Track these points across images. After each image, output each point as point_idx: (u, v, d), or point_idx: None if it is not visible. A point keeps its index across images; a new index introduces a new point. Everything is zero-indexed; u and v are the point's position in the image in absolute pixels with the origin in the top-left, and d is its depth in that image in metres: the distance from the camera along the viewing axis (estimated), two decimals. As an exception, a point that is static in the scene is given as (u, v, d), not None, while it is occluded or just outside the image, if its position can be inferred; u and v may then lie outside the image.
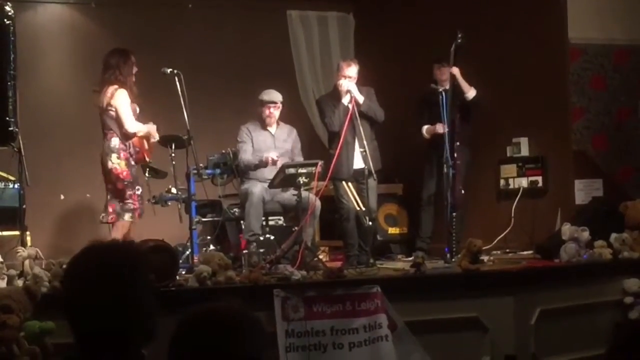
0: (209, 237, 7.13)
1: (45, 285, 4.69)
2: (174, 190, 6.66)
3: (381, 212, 8.01)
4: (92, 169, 6.64)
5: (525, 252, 7.03)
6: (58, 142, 8.11)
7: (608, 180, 7.41)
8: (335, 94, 6.87)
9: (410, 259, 6.61)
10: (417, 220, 7.60)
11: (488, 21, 7.72)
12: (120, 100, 6.18)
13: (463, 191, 6.93)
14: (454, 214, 6.54)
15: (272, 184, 6.63)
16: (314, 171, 6.34)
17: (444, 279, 5.73)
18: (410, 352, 5.25)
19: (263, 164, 6.82)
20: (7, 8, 5.49)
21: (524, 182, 7.63)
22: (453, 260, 6.20)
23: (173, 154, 6.52)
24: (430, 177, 7.35)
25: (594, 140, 7.47)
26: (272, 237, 6.75)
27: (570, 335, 5.76)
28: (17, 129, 5.51)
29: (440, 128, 6.93)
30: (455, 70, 6.93)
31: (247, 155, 6.91)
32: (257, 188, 6.70)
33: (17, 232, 5.92)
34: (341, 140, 6.65)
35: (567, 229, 6.13)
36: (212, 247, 6.93)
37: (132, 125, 6.21)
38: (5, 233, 6.41)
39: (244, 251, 6.34)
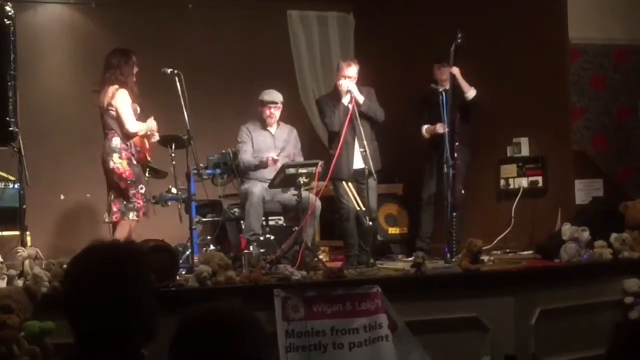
0: (209, 237, 7.14)
1: (45, 285, 4.69)
2: (174, 190, 6.66)
3: (381, 212, 8.01)
4: (92, 169, 6.64)
5: (525, 252, 7.03)
6: (58, 142, 8.11)
7: (608, 180, 7.41)
8: (335, 94, 6.87)
9: (411, 259, 6.61)
10: (417, 220, 7.60)
11: (488, 21, 7.72)
12: (121, 100, 6.18)
13: (463, 191, 6.93)
14: (454, 214, 6.54)
15: (272, 184, 6.63)
16: (314, 171, 6.34)
17: (444, 279, 5.73)
18: (410, 352, 5.25)
19: (263, 164, 6.82)
20: (7, 8, 5.49)
21: (524, 182, 7.63)
22: (453, 260, 6.20)
23: (173, 154, 6.52)
24: (430, 177, 7.34)
25: (594, 140, 7.47)
26: (272, 237, 6.75)
27: (570, 335, 5.76)
28: (17, 129, 5.51)
29: (440, 128, 6.93)
30: (455, 70, 6.93)
31: (247, 155, 6.91)
32: (257, 188, 6.70)
33: (17, 232, 5.92)
34: (341, 140, 6.65)
35: (567, 229, 6.13)
36: (212, 247, 6.93)
37: (133, 125, 6.21)
38: (5, 233, 6.41)
39: (244, 251, 6.34)
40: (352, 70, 6.77)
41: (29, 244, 5.94)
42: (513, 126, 7.74)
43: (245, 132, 6.99)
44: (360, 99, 6.71)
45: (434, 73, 7.33)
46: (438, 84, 7.21)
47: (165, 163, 6.68)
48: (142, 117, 6.37)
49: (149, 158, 6.49)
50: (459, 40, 6.61)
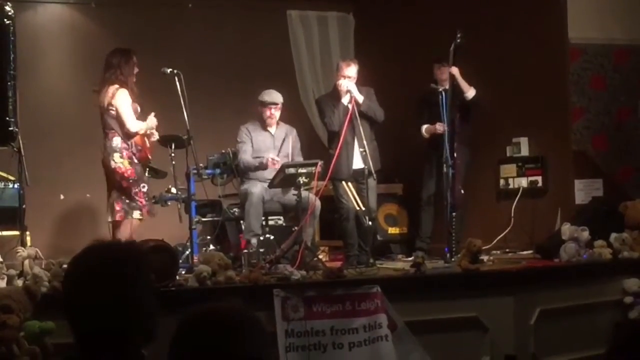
0: (209, 237, 7.13)
1: (45, 285, 4.69)
2: (173, 190, 6.66)
3: (381, 212, 8.01)
4: (92, 169, 6.64)
5: (525, 252, 7.03)
6: (58, 142, 8.11)
7: (608, 180, 7.42)
8: (335, 94, 6.87)
9: (410, 259, 6.61)
10: (417, 220, 7.60)
11: (488, 21, 7.72)
12: (121, 100, 6.18)
13: (463, 191, 6.94)
14: (454, 214, 6.54)
15: (272, 184, 6.63)
16: (313, 171, 6.34)
17: (444, 279, 5.73)
18: (410, 352, 5.25)
19: (263, 166, 6.82)
20: (7, 8, 5.49)
21: (523, 182, 7.63)
22: (453, 260, 6.20)
23: (173, 154, 6.52)
24: (430, 177, 7.34)
25: (594, 140, 7.47)
26: (272, 237, 6.75)
27: (570, 335, 5.76)
28: (17, 129, 5.51)
29: (440, 128, 6.93)
30: (455, 70, 6.93)
31: (246, 155, 6.91)
32: (257, 188, 6.70)
33: (17, 232, 5.92)
34: (341, 140, 6.65)
35: (567, 229, 6.13)
36: (212, 247, 6.93)
37: (134, 124, 6.22)
38: (5, 233, 6.41)
39: (244, 251, 6.34)
40: (351, 70, 6.77)
41: (28, 244, 5.94)
42: (513, 126, 7.74)
43: (245, 132, 6.99)
44: (360, 98, 6.70)
45: (434, 73, 7.33)
46: (438, 83, 7.21)
47: (165, 163, 6.68)
48: (142, 117, 6.37)
49: (150, 157, 6.49)
50: (459, 40, 6.61)
